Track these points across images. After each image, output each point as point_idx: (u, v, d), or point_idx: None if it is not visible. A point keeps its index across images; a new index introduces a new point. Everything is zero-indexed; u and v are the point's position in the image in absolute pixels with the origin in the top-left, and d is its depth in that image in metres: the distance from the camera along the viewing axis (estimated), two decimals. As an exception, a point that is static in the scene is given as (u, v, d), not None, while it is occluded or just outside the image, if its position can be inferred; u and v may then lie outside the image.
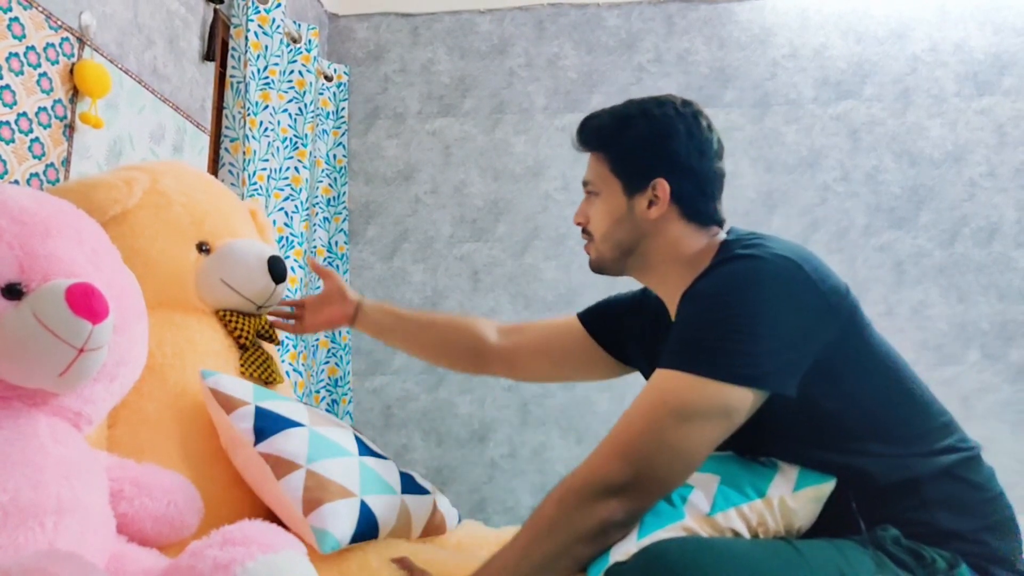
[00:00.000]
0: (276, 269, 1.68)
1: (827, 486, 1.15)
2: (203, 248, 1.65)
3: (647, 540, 1.08)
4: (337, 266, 3.17)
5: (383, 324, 1.70)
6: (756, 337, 1.11)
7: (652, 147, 1.30)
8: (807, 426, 1.16)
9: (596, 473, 1.12)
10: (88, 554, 1.02)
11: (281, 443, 1.33)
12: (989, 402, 2.89)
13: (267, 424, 1.35)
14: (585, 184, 1.38)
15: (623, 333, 1.52)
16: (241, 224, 1.78)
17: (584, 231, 1.39)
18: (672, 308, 1.34)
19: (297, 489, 1.28)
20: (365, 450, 1.47)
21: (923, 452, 1.17)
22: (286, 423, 1.37)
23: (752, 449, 1.20)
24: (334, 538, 1.25)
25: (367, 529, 1.31)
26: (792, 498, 1.14)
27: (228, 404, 1.37)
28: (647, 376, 1.48)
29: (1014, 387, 2.90)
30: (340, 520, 1.27)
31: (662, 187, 1.29)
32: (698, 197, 1.31)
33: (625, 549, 1.08)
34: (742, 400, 1.11)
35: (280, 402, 1.43)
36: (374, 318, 1.70)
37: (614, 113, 1.35)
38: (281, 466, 1.31)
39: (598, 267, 1.39)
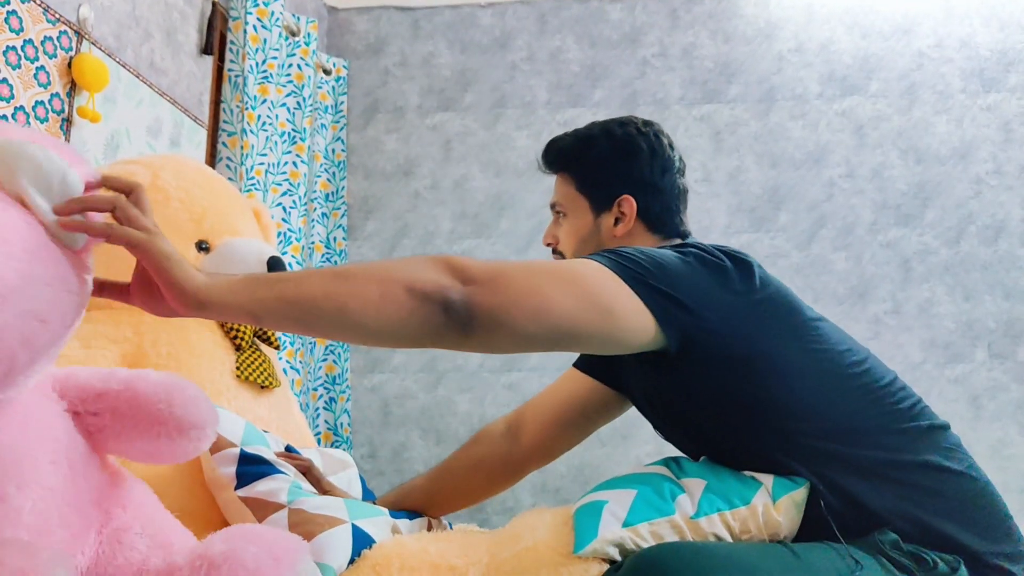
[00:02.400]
0: (275, 270, 1.64)
1: (801, 491, 1.14)
2: (202, 246, 1.62)
3: (637, 528, 1.09)
4: (336, 262, 3.13)
5: (414, 505, 1.54)
6: (653, 260, 1.13)
7: (616, 165, 1.35)
8: (771, 432, 1.15)
9: (475, 291, 1.00)
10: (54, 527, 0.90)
11: (262, 487, 1.30)
12: (999, 402, 2.88)
13: (250, 469, 1.32)
14: (553, 206, 1.43)
15: (614, 361, 1.49)
16: (242, 221, 1.75)
17: (554, 251, 1.44)
18: None
19: (283, 528, 1.23)
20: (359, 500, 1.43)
21: (881, 444, 1.15)
22: (270, 469, 1.34)
23: (731, 463, 1.19)
24: (332, 570, 1.18)
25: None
26: (774, 508, 1.13)
27: (215, 443, 1.34)
28: (636, 402, 1.46)
29: (1023, 386, 2.88)
30: (336, 548, 1.21)
31: (628, 204, 1.33)
32: (663, 212, 1.35)
33: (612, 530, 1.09)
34: (621, 295, 1.09)
35: (267, 450, 1.40)
36: (402, 507, 1.53)
37: (577, 134, 1.40)
38: (261, 508, 1.27)
39: None
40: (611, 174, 1.35)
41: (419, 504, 1.54)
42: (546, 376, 2.98)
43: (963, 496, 1.15)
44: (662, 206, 1.35)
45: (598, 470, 3.01)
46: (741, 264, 1.20)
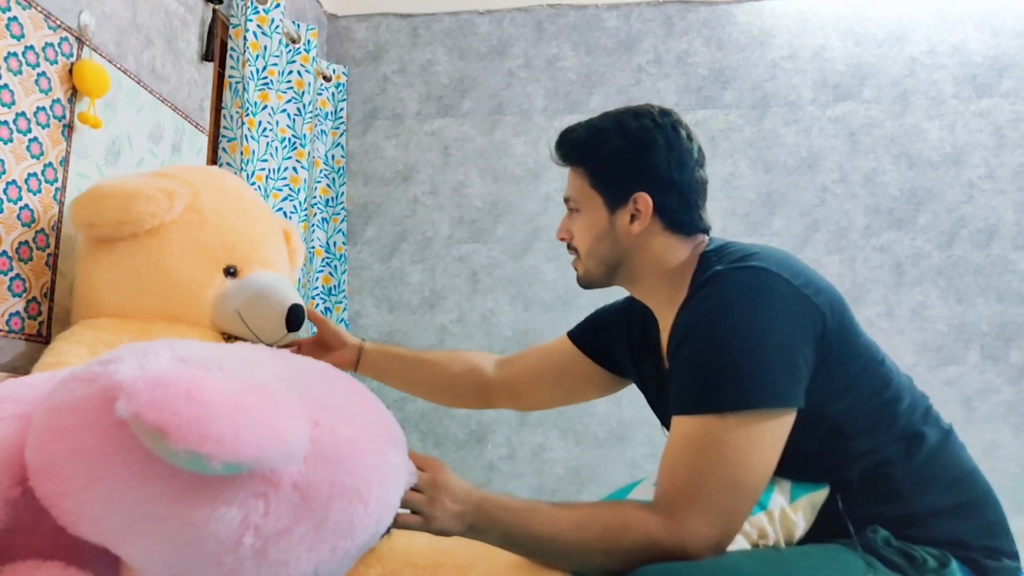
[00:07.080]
0: (294, 319, 1.64)
1: (821, 494, 1.15)
2: (230, 271, 1.64)
3: None
4: (336, 267, 3.16)
5: (384, 367, 1.65)
6: (763, 358, 1.09)
7: (630, 161, 1.28)
8: (804, 436, 1.15)
9: (690, 538, 1.06)
10: None
11: None
12: (991, 404, 2.89)
13: None
14: (567, 200, 1.37)
15: (612, 345, 1.51)
16: (274, 250, 1.76)
17: (569, 247, 1.39)
18: (661, 319, 1.34)
19: None
20: None
21: (895, 437, 1.18)
22: None
23: None
24: None
25: None
26: (791, 509, 1.14)
27: None
28: (640, 385, 1.48)
29: (1015, 388, 2.90)
30: None
31: (644, 201, 1.27)
32: (680, 208, 1.29)
33: None
34: (775, 419, 1.09)
35: None
36: (375, 362, 1.65)
37: (590, 127, 1.33)
38: None
39: (586, 283, 1.39)
40: (625, 170, 1.28)
41: (392, 367, 1.66)
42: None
43: (949, 482, 1.18)
44: (680, 202, 1.28)
45: (595, 471, 3.03)
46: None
